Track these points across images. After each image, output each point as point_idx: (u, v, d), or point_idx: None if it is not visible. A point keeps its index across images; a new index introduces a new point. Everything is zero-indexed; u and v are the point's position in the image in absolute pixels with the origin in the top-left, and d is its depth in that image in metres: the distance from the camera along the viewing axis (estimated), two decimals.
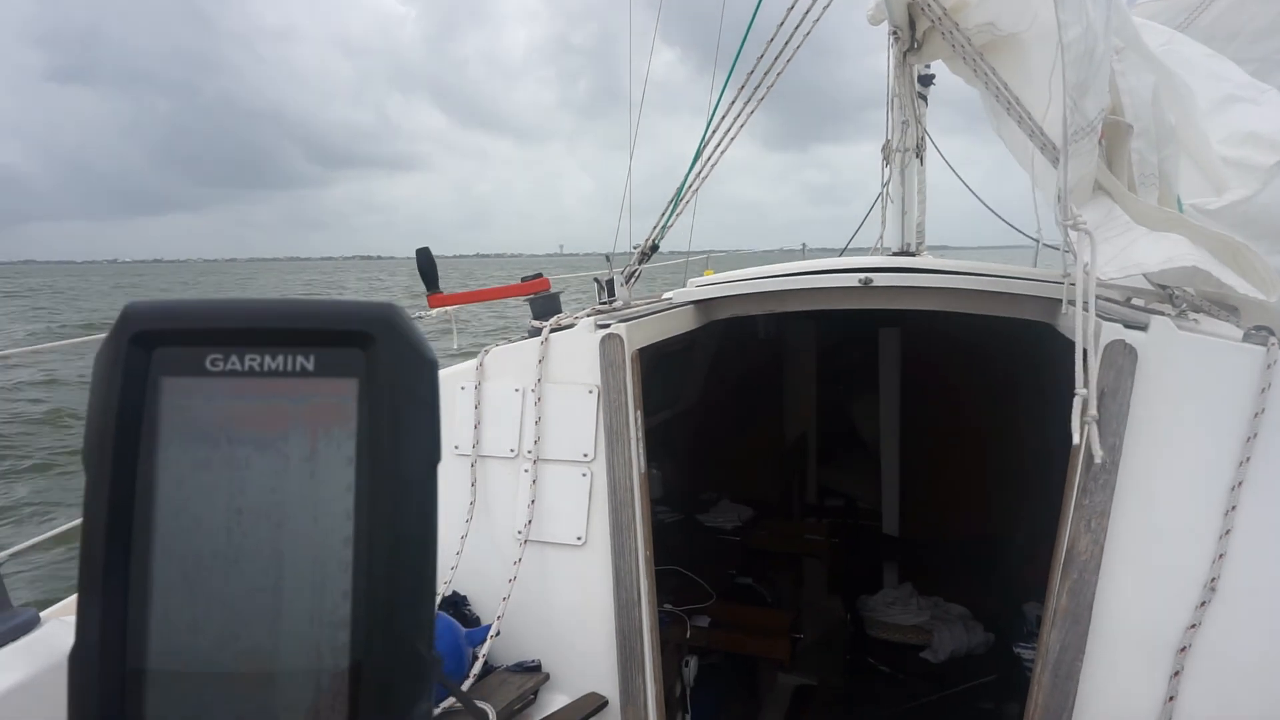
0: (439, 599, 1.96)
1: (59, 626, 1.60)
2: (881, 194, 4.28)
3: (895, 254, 3.70)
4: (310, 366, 0.36)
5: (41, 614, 1.64)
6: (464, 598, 2.09)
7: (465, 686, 1.86)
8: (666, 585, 2.86)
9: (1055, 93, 2.63)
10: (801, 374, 4.62)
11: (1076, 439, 1.60)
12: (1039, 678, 1.68)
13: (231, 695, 0.35)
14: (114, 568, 0.35)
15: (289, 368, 0.36)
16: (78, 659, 0.34)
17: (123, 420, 0.35)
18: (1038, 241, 4.93)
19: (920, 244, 4.42)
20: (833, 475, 4.78)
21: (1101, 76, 2.06)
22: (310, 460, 0.36)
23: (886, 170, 3.96)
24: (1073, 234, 1.73)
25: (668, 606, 2.96)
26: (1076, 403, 1.58)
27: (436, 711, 1.79)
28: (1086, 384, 1.58)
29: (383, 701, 0.35)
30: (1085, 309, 1.60)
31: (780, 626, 3.25)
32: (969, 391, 4.14)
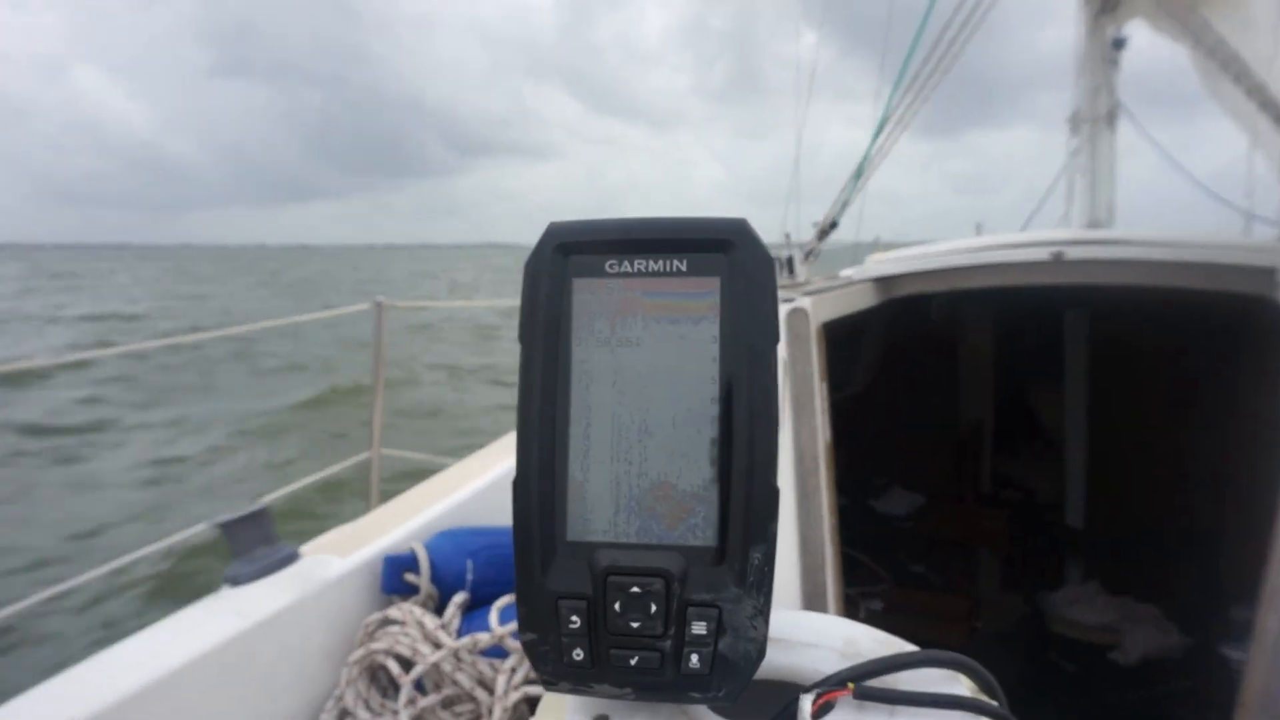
0: None
1: (313, 563, 1.80)
2: (1067, 166, 4.04)
3: (1085, 228, 3.49)
4: (684, 268, 0.48)
5: (300, 549, 1.86)
6: None
7: None
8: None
9: None
10: (978, 358, 4.43)
11: None
12: (1255, 662, 1.57)
13: (633, 509, 0.47)
14: (544, 418, 0.48)
15: (668, 269, 0.48)
16: (521, 484, 0.47)
17: (548, 310, 0.48)
18: (1248, 214, 4.50)
19: (1109, 221, 4.15)
20: (1010, 464, 4.57)
21: None
22: (684, 339, 0.48)
23: (1074, 141, 3.74)
24: None
25: None
26: None
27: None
28: None
29: (745, 518, 0.46)
30: None
31: (959, 613, 3.16)
32: (1166, 376, 3.84)
